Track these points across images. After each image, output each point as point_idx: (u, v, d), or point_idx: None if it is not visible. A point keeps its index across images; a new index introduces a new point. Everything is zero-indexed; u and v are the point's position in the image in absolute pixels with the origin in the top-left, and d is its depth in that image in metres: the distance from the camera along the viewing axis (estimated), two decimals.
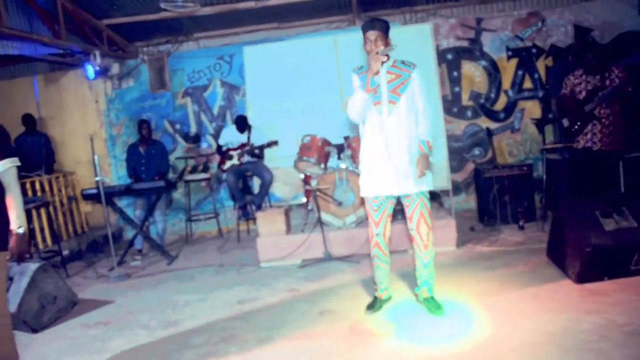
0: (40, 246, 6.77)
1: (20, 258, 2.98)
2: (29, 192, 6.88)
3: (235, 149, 6.93)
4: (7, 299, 3.23)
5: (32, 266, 4.57)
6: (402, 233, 5.44)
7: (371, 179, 3.80)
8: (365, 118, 3.81)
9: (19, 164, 3.07)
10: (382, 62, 3.62)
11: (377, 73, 3.63)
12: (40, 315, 4.49)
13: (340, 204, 5.76)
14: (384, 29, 3.68)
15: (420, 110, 3.74)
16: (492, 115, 7.96)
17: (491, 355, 3.05)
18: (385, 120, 3.69)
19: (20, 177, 6.67)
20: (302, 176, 6.32)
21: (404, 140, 3.69)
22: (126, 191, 6.37)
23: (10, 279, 4.51)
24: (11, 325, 3.15)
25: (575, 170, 5.46)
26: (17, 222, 2.95)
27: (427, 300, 3.88)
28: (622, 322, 3.28)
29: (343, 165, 5.83)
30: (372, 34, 3.63)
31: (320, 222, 5.60)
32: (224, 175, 7.13)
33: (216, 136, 8.03)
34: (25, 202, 6.17)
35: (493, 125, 7.90)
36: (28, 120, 7.90)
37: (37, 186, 7.09)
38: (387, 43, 3.66)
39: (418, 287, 3.97)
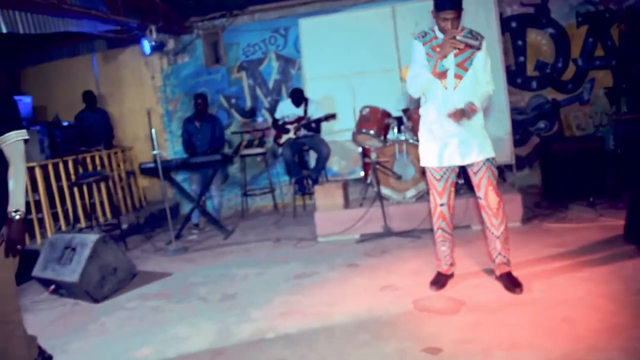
0: (100, 220, 6.90)
1: (9, 248, 2.52)
2: (90, 167, 7.00)
3: (291, 123, 6.82)
4: (18, 294, 2.79)
5: (93, 237, 4.61)
6: (466, 208, 5.23)
7: (432, 149, 3.63)
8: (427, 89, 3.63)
9: (26, 137, 2.65)
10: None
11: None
12: (101, 285, 4.54)
13: (399, 177, 5.57)
14: (461, 5, 3.39)
15: (484, 82, 3.54)
16: (559, 86, 7.52)
17: (572, 337, 2.81)
18: (450, 95, 3.51)
19: (81, 152, 6.87)
20: (360, 149, 6.15)
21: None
22: (183, 165, 6.38)
23: (73, 249, 4.57)
24: (21, 324, 2.77)
25: None
26: (14, 205, 2.53)
27: (505, 276, 3.66)
28: None
29: (403, 138, 5.62)
30: (451, 13, 3.35)
31: (379, 196, 5.43)
32: (280, 150, 7.04)
33: (272, 110, 7.93)
34: (86, 176, 6.33)
35: (560, 97, 7.49)
36: (88, 97, 8.02)
37: (97, 161, 7.20)
38: (460, 20, 3.42)
39: (494, 262, 3.76)
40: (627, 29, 7.12)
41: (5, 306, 2.63)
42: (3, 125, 2.58)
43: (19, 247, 2.55)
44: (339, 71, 7.04)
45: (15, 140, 2.59)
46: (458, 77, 3.49)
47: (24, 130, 2.65)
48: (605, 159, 6.18)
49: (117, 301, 4.51)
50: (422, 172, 5.48)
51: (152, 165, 6.19)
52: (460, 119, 3.47)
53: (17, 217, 2.53)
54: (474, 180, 3.64)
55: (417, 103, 5.80)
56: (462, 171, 3.74)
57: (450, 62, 3.47)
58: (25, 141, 2.67)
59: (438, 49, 3.46)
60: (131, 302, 4.42)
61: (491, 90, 3.58)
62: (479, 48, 3.43)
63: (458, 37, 3.32)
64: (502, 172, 6.80)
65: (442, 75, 3.48)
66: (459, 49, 3.39)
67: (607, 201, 5.76)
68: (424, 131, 3.71)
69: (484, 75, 3.53)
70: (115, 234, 6.39)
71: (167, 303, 4.30)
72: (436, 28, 3.55)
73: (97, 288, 4.50)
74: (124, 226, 6.78)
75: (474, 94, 3.51)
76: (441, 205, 3.73)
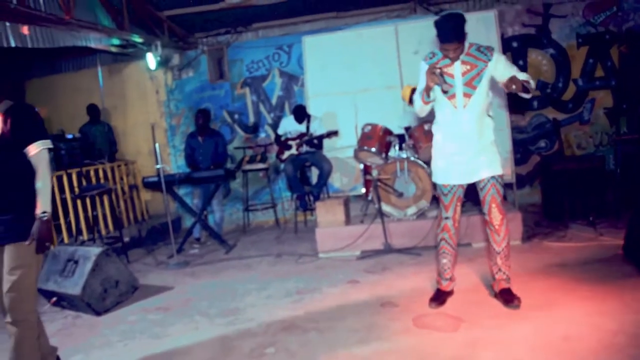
0: (103, 232, 6.92)
1: (39, 246, 2.82)
2: (93, 180, 7.03)
3: (293, 139, 6.87)
4: (37, 296, 3.09)
5: (95, 250, 4.65)
6: (467, 225, 5.26)
7: (442, 167, 3.72)
8: (436, 107, 3.70)
9: (51, 146, 2.96)
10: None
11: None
12: (103, 298, 4.57)
13: (400, 195, 5.61)
14: (462, 34, 3.44)
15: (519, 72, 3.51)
16: (559, 105, 7.60)
17: (571, 356, 2.84)
18: (460, 113, 3.58)
19: (85, 165, 6.91)
20: (361, 166, 6.20)
21: (477, 131, 3.61)
22: (186, 179, 6.42)
23: (76, 262, 4.60)
24: (35, 326, 2.96)
25: None
26: (41, 207, 2.83)
27: (504, 292, 3.70)
28: None
29: (404, 156, 5.67)
30: (452, 45, 3.45)
31: (380, 213, 5.47)
32: (282, 166, 7.09)
33: (274, 126, 7.99)
34: (90, 189, 6.37)
35: (560, 116, 7.57)
36: (92, 110, 8.11)
37: (101, 174, 7.24)
38: (465, 40, 3.50)
39: (494, 278, 3.80)
40: (627, 50, 7.21)
41: (28, 304, 2.87)
42: (30, 135, 2.88)
43: (46, 244, 2.85)
44: (342, 88, 7.10)
45: (41, 149, 2.90)
46: (467, 95, 3.55)
47: (49, 140, 2.96)
48: (605, 178, 6.21)
49: (119, 314, 4.53)
50: (423, 191, 5.55)
51: (155, 179, 6.24)
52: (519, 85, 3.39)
53: (45, 218, 2.82)
54: (480, 195, 3.71)
55: (418, 121, 5.89)
56: (469, 186, 3.79)
57: (458, 79, 3.53)
58: (50, 150, 2.96)
59: (445, 70, 3.54)
60: (133, 315, 4.45)
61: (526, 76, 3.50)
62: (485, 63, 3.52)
63: (437, 72, 3.41)
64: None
65: (451, 95, 3.55)
66: (441, 83, 3.45)
67: (607, 220, 5.77)
68: (434, 149, 3.81)
69: (512, 71, 3.50)
70: (117, 246, 6.42)
71: (168, 317, 4.32)
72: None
73: (99, 301, 4.53)
74: (126, 239, 6.81)
75: (482, 110, 3.59)
76: (446, 218, 3.80)
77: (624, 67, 7.22)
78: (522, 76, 3.48)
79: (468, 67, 3.53)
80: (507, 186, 6.81)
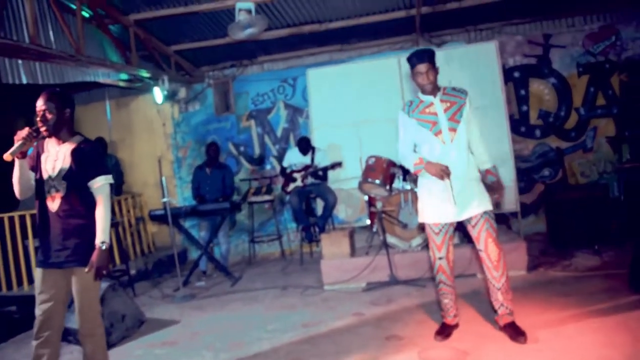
0: (109, 265, 6.94)
1: (97, 273, 3.02)
2: None
3: (298, 171, 6.93)
4: (101, 311, 3.35)
5: (102, 285, 4.67)
6: (471, 257, 5.27)
7: (431, 205, 3.76)
8: (421, 147, 3.79)
9: (112, 181, 3.21)
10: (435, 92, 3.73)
11: None
12: (109, 333, 4.56)
13: (405, 226, 5.64)
14: (433, 58, 3.67)
15: (477, 137, 3.77)
16: (562, 134, 7.66)
17: None
18: (448, 147, 3.67)
19: None
20: (366, 198, 6.24)
21: (464, 166, 3.68)
22: (192, 212, 6.47)
23: None
24: (104, 336, 3.30)
25: None
26: (101, 237, 3.06)
27: (509, 326, 3.69)
28: None
29: (408, 187, 5.71)
30: (424, 67, 3.63)
31: (385, 245, 5.49)
32: (288, 197, 7.13)
33: (280, 158, 8.07)
34: None
35: (563, 145, 7.62)
36: (100, 143, 8.21)
37: None
38: (436, 72, 3.70)
39: (496, 313, 3.79)
40: (627, 78, 7.29)
41: (94, 321, 3.18)
42: (95, 170, 3.15)
43: (104, 272, 3.07)
44: (346, 120, 7.17)
45: (103, 184, 3.16)
46: (452, 130, 3.66)
47: (110, 175, 3.23)
48: (609, 206, 6.22)
49: (125, 349, 4.53)
50: (422, 226, 5.56)
51: (161, 212, 6.29)
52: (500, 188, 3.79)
53: (104, 247, 3.05)
54: (473, 233, 3.71)
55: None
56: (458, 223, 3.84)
57: (442, 116, 3.67)
58: (111, 184, 3.22)
59: (427, 110, 3.69)
60: (139, 350, 4.45)
61: (484, 142, 3.80)
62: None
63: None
64: (507, 220, 6.86)
65: (437, 132, 3.67)
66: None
67: (613, 249, 5.76)
68: (423, 190, 3.84)
69: (475, 129, 3.76)
70: (124, 279, 6.45)
71: (174, 351, 4.32)
72: (420, 93, 3.78)
73: (106, 336, 4.53)
74: (133, 272, 6.83)
75: (466, 144, 3.70)
76: (440, 258, 3.82)
77: (625, 95, 7.30)
78: (483, 152, 3.79)
79: (448, 104, 3.70)
80: (511, 215, 6.85)
